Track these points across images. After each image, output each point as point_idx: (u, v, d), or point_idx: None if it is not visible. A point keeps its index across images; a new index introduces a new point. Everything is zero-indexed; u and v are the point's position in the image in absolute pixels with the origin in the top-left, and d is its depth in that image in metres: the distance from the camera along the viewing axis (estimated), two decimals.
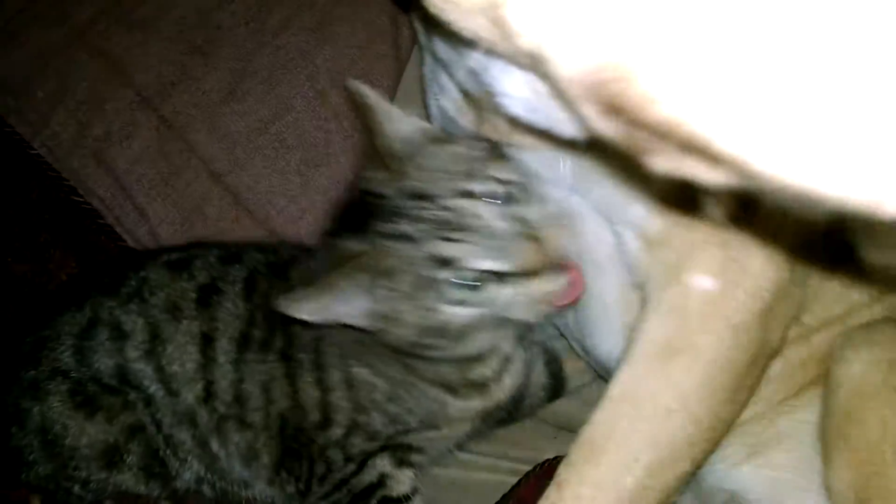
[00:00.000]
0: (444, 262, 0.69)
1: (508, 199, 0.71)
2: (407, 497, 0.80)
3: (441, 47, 0.74)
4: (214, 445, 0.79)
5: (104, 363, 0.78)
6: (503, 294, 0.70)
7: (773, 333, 0.70)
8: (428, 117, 0.90)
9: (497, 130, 0.74)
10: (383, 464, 0.79)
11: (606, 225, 0.73)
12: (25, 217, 1.11)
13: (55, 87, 1.11)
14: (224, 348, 0.78)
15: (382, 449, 0.80)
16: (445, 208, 0.69)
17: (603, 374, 0.90)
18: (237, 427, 0.79)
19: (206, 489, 0.81)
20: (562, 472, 0.70)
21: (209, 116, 1.10)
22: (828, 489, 0.69)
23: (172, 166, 1.09)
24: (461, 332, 0.72)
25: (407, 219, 0.69)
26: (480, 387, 0.79)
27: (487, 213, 0.69)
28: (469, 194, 0.70)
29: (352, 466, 0.79)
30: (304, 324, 0.71)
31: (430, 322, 0.70)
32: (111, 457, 0.77)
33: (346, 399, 0.77)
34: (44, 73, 1.12)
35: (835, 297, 0.75)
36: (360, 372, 0.77)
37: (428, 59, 0.85)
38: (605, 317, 0.79)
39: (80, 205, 1.09)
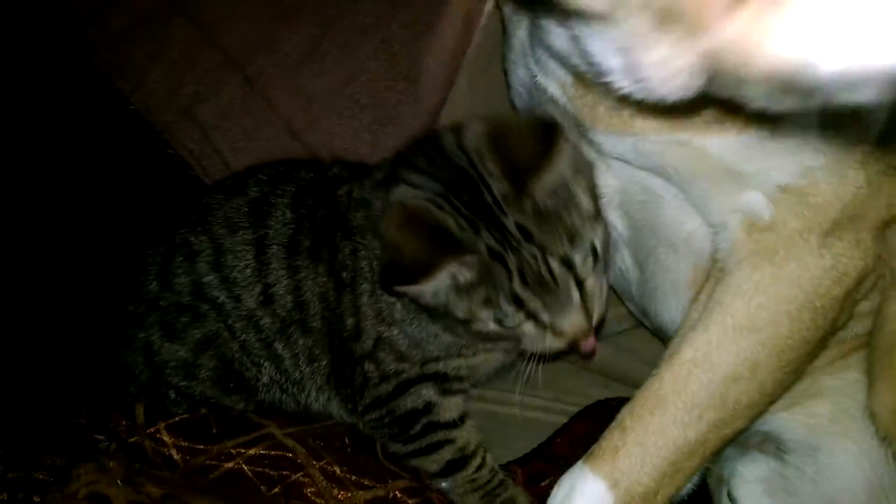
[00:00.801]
0: (517, 301, 0.75)
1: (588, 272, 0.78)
2: (454, 422, 0.86)
3: (550, 27, 0.76)
4: (279, 347, 0.88)
5: (182, 282, 0.89)
6: (535, 332, 0.78)
7: (846, 313, 0.77)
8: (507, 90, 0.97)
9: (601, 116, 0.78)
10: (428, 393, 0.85)
11: (690, 210, 0.79)
12: (123, 168, 1.21)
13: (151, 49, 1.21)
14: (275, 253, 0.86)
15: (424, 378, 0.85)
16: (546, 263, 0.75)
17: (656, 333, 0.96)
18: (300, 331, 0.87)
19: (287, 400, 0.90)
20: (626, 419, 0.77)
21: (289, 77, 1.18)
22: (871, 414, 0.76)
23: (255, 123, 1.18)
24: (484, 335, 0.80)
25: (511, 248, 0.75)
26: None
27: (570, 284, 0.76)
28: (568, 263, 0.76)
29: (387, 387, 0.85)
30: (344, 238, 0.80)
31: (466, 319, 0.77)
32: (187, 370, 0.89)
33: (372, 308, 0.84)
34: (141, 36, 1.21)
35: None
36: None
37: (518, 39, 0.88)
38: (673, 292, 0.86)
39: (172, 157, 1.19)
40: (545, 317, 0.76)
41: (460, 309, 0.77)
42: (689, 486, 0.82)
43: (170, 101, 1.19)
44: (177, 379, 0.89)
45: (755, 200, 0.74)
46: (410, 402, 0.85)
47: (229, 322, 0.87)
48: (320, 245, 0.86)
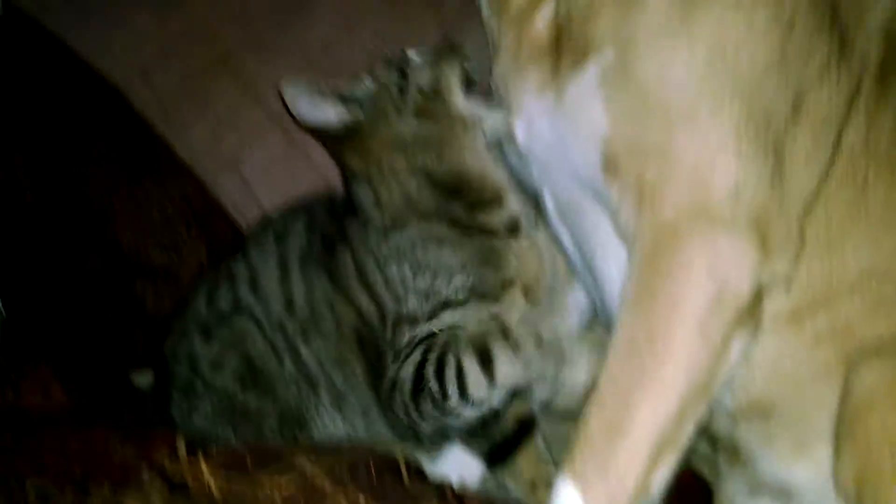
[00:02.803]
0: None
1: None
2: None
3: None
4: (302, 350, 0.99)
5: (225, 299, 1.04)
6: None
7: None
8: None
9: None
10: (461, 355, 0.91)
11: None
12: (167, 213, 1.29)
13: (199, 104, 1.31)
14: (293, 264, 1.01)
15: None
16: None
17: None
18: (317, 335, 0.99)
19: (302, 401, 1.00)
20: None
21: None
22: (835, 482, 0.79)
23: (293, 175, 1.27)
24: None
25: None
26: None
27: None
28: None
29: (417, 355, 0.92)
30: (343, 248, 0.98)
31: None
32: (215, 361, 1.03)
33: (383, 282, 0.95)
34: (190, 92, 1.31)
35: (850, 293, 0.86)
36: (390, 259, 0.95)
37: None
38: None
39: (214, 205, 1.28)
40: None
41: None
42: None
43: (214, 153, 1.28)
44: (206, 369, 1.02)
45: None
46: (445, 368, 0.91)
47: (262, 325, 1.01)
48: (328, 258, 1.00)
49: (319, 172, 1.26)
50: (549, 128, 0.91)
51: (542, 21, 0.94)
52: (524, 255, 0.96)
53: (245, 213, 1.27)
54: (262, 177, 1.27)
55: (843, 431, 0.80)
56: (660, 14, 0.83)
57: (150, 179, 1.30)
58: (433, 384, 0.90)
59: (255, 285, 1.02)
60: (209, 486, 0.88)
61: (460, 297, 0.92)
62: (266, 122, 1.28)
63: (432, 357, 0.90)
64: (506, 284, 0.94)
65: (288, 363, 1.00)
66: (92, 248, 1.31)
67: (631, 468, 0.80)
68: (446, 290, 0.92)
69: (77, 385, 1.16)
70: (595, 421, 0.81)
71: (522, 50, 0.96)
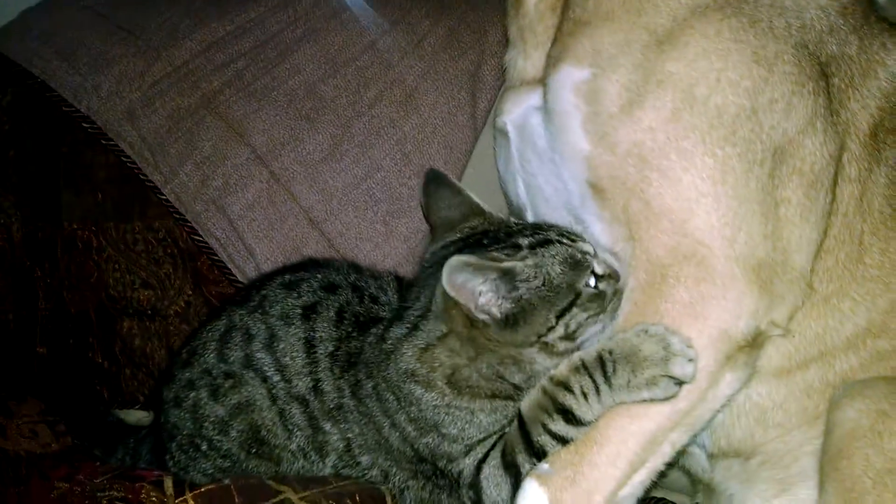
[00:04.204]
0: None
1: None
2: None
3: None
4: (327, 426, 0.96)
5: (236, 355, 0.99)
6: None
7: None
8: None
9: None
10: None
11: None
12: (152, 252, 1.31)
13: (184, 145, 1.31)
14: (322, 356, 0.97)
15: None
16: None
17: None
18: (352, 422, 0.96)
19: (305, 469, 0.98)
20: None
21: (311, 173, 1.29)
22: None
23: (278, 213, 1.28)
24: None
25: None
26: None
27: None
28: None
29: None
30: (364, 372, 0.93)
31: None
32: (222, 426, 0.98)
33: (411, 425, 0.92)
34: (176, 133, 1.32)
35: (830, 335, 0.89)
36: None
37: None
38: None
39: (200, 243, 1.29)
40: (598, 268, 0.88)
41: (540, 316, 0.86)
42: None
43: (200, 193, 1.29)
44: (212, 433, 0.99)
45: None
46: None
47: (274, 392, 0.97)
48: (349, 368, 0.96)
49: (302, 208, 1.28)
50: (543, 129, 0.93)
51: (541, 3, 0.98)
52: None
53: (230, 252, 1.28)
54: (248, 215, 1.28)
55: (826, 468, 0.82)
56: (637, 50, 0.85)
57: (136, 219, 1.32)
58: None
59: (273, 349, 0.98)
60: None
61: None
62: (251, 163, 1.30)
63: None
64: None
65: (299, 437, 0.97)
66: (78, 286, 1.32)
67: (601, 481, 0.83)
68: (477, 433, 0.91)
69: (65, 425, 1.17)
70: None
71: (527, 38, 1.00)
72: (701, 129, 0.82)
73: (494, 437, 0.91)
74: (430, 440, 0.91)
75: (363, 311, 1.00)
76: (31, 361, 1.33)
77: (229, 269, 1.28)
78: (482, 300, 0.86)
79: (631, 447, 0.83)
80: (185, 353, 1.03)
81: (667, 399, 0.81)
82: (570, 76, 0.88)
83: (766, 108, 0.83)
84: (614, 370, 0.82)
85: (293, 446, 0.98)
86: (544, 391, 0.86)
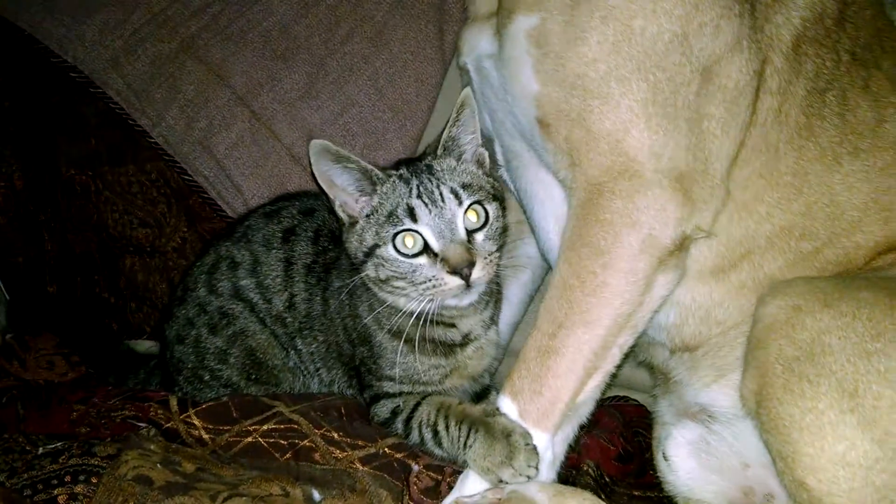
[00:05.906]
0: (411, 213, 0.92)
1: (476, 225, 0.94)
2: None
3: None
4: (299, 343, 1.08)
5: (223, 286, 1.09)
6: (428, 263, 0.92)
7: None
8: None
9: None
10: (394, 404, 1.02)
11: None
12: (147, 193, 1.39)
13: (168, 90, 1.37)
14: (298, 271, 1.08)
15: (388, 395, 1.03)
16: (438, 188, 0.94)
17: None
18: (310, 336, 1.07)
19: (300, 385, 1.10)
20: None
21: (290, 111, 1.36)
22: (740, 398, 0.91)
23: (261, 151, 1.35)
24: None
25: (415, 174, 0.96)
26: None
27: (457, 214, 0.93)
28: (457, 195, 0.94)
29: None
30: (337, 280, 1.02)
31: (374, 245, 0.94)
32: (221, 356, 1.09)
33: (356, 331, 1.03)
34: (159, 78, 1.38)
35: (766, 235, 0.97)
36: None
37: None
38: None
39: (190, 183, 1.37)
40: (435, 244, 0.92)
41: (370, 233, 0.94)
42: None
43: (186, 135, 1.36)
44: (213, 363, 1.09)
45: None
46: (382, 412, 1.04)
47: (261, 316, 1.08)
48: (325, 275, 1.07)
49: (284, 145, 1.35)
50: (496, 73, 1.00)
51: None
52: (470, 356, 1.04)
53: (220, 189, 1.36)
54: (233, 154, 1.35)
55: (749, 356, 0.92)
56: None
57: (129, 162, 1.39)
58: (402, 431, 1.01)
59: (256, 273, 1.08)
60: (200, 434, 1.00)
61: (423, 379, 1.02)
62: (233, 104, 1.35)
63: (401, 416, 1.01)
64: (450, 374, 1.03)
65: (293, 355, 1.09)
66: (80, 228, 1.40)
67: (562, 387, 0.93)
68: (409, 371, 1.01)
69: (80, 356, 1.27)
70: (532, 347, 0.94)
71: None
72: (637, 58, 0.88)
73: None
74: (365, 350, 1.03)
75: (339, 228, 1.08)
76: (44, 300, 1.43)
77: (220, 206, 1.36)
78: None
79: (585, 354, 0.93)
80: (180, 290, 1.13)
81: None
82: (522, 24, 0.94)
83: (696, 32, 0.89)
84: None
85: (291, 364, 1.09)
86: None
